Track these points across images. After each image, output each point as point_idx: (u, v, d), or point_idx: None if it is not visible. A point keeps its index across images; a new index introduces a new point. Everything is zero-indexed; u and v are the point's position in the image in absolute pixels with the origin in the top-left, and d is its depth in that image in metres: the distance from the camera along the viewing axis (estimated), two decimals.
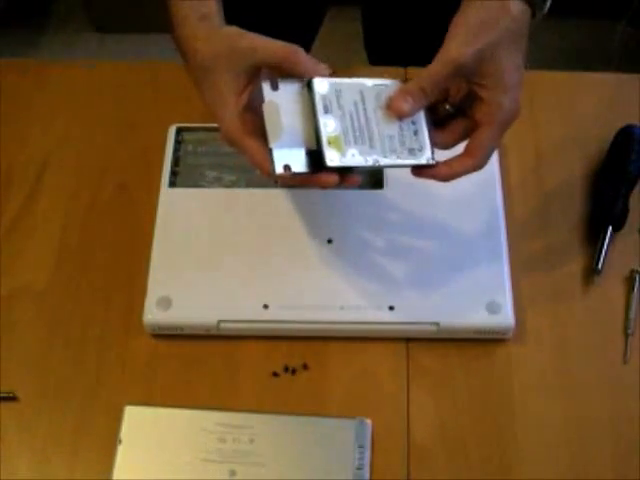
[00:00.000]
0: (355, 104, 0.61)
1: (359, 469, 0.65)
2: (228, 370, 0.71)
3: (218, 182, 0.79)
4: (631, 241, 0.77)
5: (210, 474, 0.65)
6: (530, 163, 0.82)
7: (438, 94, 0.62)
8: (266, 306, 0.71)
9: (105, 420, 0.69)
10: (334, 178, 0.60)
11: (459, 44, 0.60)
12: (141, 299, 0.72)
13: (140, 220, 0.78)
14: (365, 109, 0.61)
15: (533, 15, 0.63)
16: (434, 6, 0.81)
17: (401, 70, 0.85)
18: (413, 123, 0.63)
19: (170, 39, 0.67)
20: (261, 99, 0.60)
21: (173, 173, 0.79)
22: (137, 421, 0.68)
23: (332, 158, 0.59)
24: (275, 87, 0.60)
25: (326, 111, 0.60)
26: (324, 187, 0.61)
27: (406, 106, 0.61)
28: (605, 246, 0.75)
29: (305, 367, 0.71)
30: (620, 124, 0.81)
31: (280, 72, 0.60)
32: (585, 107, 0.86)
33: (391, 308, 0.71)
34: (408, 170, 0.64)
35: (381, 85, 0.62)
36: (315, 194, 0.76)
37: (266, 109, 0.60)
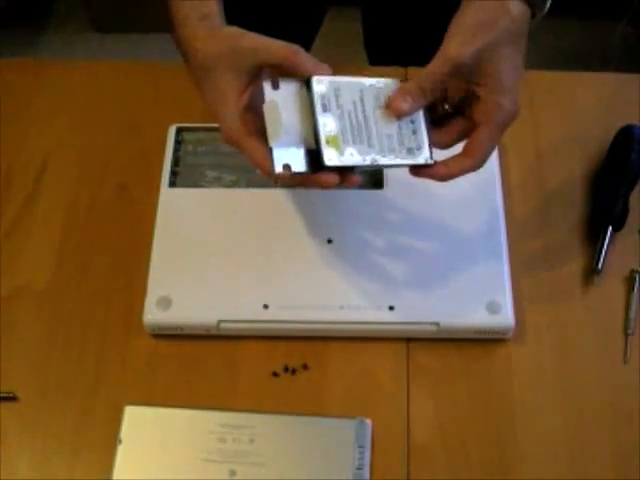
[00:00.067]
0: (354, 103, 0.61)
1: (359, 469, 0.65)
2: (228, 370, 0.71)
3: (218, 182, 0.79)
4: (631, 241, 0.77)
5: (210, 474, 0.65)
6: (530, 163, 0.82)
7: (437, 94, 0.62)
8: (266, 306, 0.71)
9: (105, 420, 0.69)
10: (334, 178, 0.60)
11: (458, 44, 0.60)
12: (141, 299, 0.72)
13: (140, 220, 0.78)
14: (364, 108, 0.61)
15: (533, 15, 0.63)
16: (434, 6, 0.81)
17: (401, 70, 0.86)
18: (412, 122, 0.63)
19: (170, 39, 0.67)
20: (262, 99, 0.60)
21: (173, 173, 0.79)
22: (137, 421, 0.68)
23: (330, 157, 0.59)
24: (276, 87, 0.60)
25: (325, 110, 0.60)
26: (324, 187, 0.61)
27: (405, 105, 0.61)
28: (605, 246, 0.75)
29: (305, 367, 0.71)
30: (620, 124, 0.81)
31: (281, 72, 0.60)
32: (585, 107, 0.86)
33: (391, 308, 0.71)
34: (408, 170, 0.64)
35: (380, 85, 0.62)
36: (315, 194, 0.76)
37: (266, 108, 0.60)
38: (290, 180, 0.63)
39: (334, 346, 0.72)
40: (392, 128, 0.62)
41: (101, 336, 0.73)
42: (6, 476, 0.67)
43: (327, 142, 0.59)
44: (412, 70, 0.85)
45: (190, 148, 0.81)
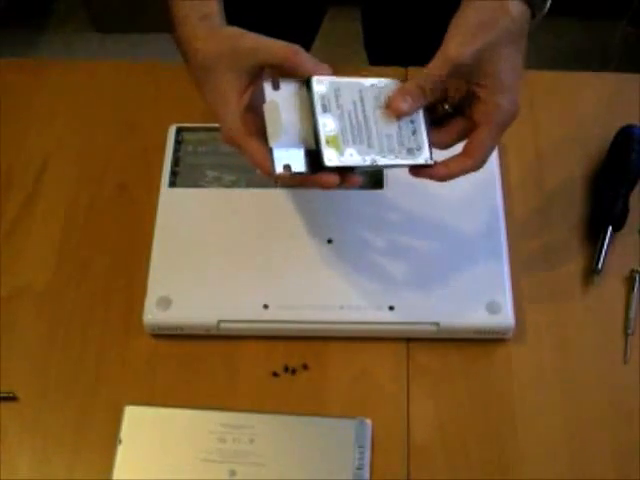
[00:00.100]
0: (354, 103, 0.61)
1: (359, 469, 0.65)
2: (228, 370, 0.71)
3: (218, 182, 0.79)
4: (631, 241, 0.77)
5: (210, 474, 0.65)
6: (530, 163, 0.82)
7: (437, 94, 0.62)
8: (266, 306, 0.71)
9: (105, 420, 0.69)
10: (334, 178, 0.60)
11: (458, 44, 0.60)
12: (141, 299, 0.72)
13: (140, 220, 0.78)
14: (364, 108, 0.61)
15: (533, 16, 0.63)
16: (434, 6, 0.81)
17: (401, 70, 0.86)
18: (412, 123, 0.63)
19: (170, 39, 0.67)
20: (262, 99, 0.60)
21: (173, 173, 0.79)
22: (137, 421, 0.68)
23: (330, 157, 0.59)
24: (276, 87, 0.60)
25: (324, 110, 0.60)
26: (324, 188, 0.61)
27: (405, 105, 0.61)
28: (605, 246, 0.75)
29: (305, 367, 0.71)
30: (620, 124, 0.81)
31: (281, 72, 0.60)
32: (585, 107, 0.86)
33: (391, 308, 0.71)
34: (408, 170, 0.64)
35: (380, 85, 0.62)
36: (315, 194, 0.76)
37: (267, 109, 0.60)
38: (290, 180, 0.63)
39: (334, 346, 0.72)
40: (392, 128, 0.62)
41: (101, 336, 0.73)
42: (6, 476, 0.67)
43: (327, 142, 0.59)
44: (412, 70, 0.85)
45: (190, 148, 0.81)
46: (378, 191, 0.77)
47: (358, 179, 0.61)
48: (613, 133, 0.81)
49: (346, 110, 0.61)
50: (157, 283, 0.73)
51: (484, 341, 0.72)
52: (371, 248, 0.74)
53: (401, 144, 0.62)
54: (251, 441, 0.66)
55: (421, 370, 0.71)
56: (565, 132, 0.84)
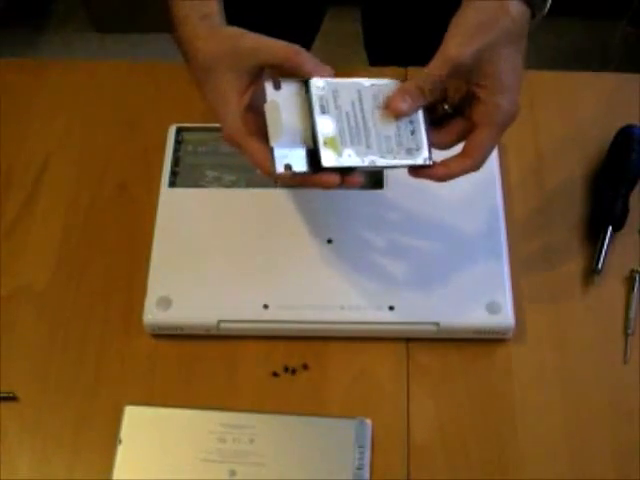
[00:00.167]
0: (352, 104, 0.61)
1: (359, 469, 0.65)
2: (228, 370, 0.71)
3: (218, 182, 0.79)
4: (631, 241, 0.77)
5: (210, 474, 0.65)
6: (530, 163, 0.82)
7: (436, 94, 0.62)
8: (266, 306, 0.71)
9: (105, 420, 0.69)
10: (335, 178, 0.60)
11: (458, 44, 0.60)
12: (141, 299, 0.72)
13: (140, 220, 0.78)
14: (362, 109, 0.61)
15: (533, 16, 0.63)
16: (434, 6, 0.81)
17: (401, 70, 0.86)
18: (411, 123, 0.63)
19: (170, 39, 0.67)
20: (263, 99, 0.60)
21: (173, 173, 0.79)
22: (137, 421, 0.68)
23: (328, 159, 0.59)
24: (277, 87, 0.60)
25: (323, 111, 0.60)
26: (325, 188, 0.61)
27: (404, 105, 0.61)
28: (605, 246, 0.75)
29: (305, 367, 0.71)
30: (620, 124, 0.81)
31: (282, 72, 0.60)
32: (585, 107, 0.86)
33: (391, 308, 0.71)
34: (407, 170, 0.64)
35: (379, 85, 0.62)
36: (315, 194, 0.76)
37: (268, 108, 0.60)
38: (290, 180, 0.63)
39: (334, 346, 0.72)
40: (391, 129, 0.62)
41: (101, 336, 0.73)
42: (6, 476, 0.67)
43: (325, 144, 0.59)
44: (412, 70, 0.85)
45: (190, 148, 0.81)
46: (378, 191, 0.77)
47: (359, 179, 0.61)
48: (613, 133, 0.81)
49: (344, 111, 0.61)
50: (157, 283, 0.73)
51: (484, 341, 0.72)
52: (371, 248, 0.74)
53: (400, 144, 0.62)
54: (251, 441, 0.66)
55: (421, 370, 0.71)
56: (565, 132, 0.84)
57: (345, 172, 0.61)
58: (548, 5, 0.64)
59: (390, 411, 0.69)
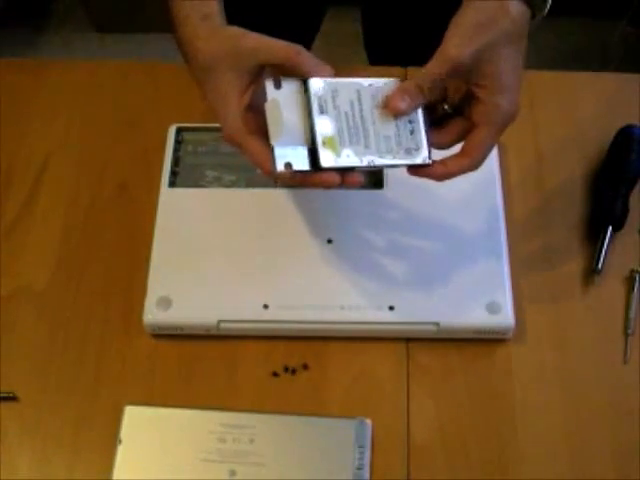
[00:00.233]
0: (351, 104, 0.61)
1: (359, 469, 0.65)
2: (228, 370, 0.71)
3: (218, 182, 0.79)
4: (631, 241, 0.77)
5: (210, 474, 0.65)
6: (530, 163, 0.82)
7: (436, 93, 0.62)
8: (266, 306, 0.71)
9: (105, 420, 0.69)
10: (335, 178, 0.60)
11: (457, 44, 0.60)
12: (141, 299, 0.72)
13: (140, 220, 0.78)
14: (361, 109, 0.61)
15: (533, 16, 0.63)
16: (434, 6, 0.81)
17: (401, 70, 0.86)
18: (410, 122, 0.63)
19: (171, 39, 0.67)
20: (264, 98, 0.60)
21: (173, 173, 0.79)
22: (137, 421, 0.68)
23: (327, 159, 0.59)
24: (278, 86, 0.60)
25: (321, 111, 0.60)
26: (325, 187, 0.61)
27: (403, 105, 0.61)
28: (605, 246, 0.75)
29: (305, 367, 0.71)
30: (620, 124, 0.81)
31: (283, 72, 0.60)
32: (585, 107, 0.86)
33: (391, 308, 0.71)
34: (406, 170, 0.64)
35: (378, 84, 0.62)
36: (315, 194, 0.76)
37: (268, 107, 0.60)
38: (290, 180, 0.63)
39: (334, 346, 0.72)
40: (390, 128, 0.62)
41: (101, 336, 0.73)
42: (6, 476, 0.67)
43: (323, 144, 0.60)
44: (412, 70, 0.85)
45: (190, 148, 0.81)
46: (378, 191, 0.77)
47: (359, 179, 0.61)
48: (613, 133, 0.81)
49: (343, 111, 0.61)
50: (157, 283, 0.73)
51: (484, 341, 0.72)
52: (371, 248, 0.74)
53: (399, 144, 0.62)
54: (251, 441, 0.66)
55: (421, 370, 0.71)
56: (565, 132, 0.84)
57: (345, 171, 0.61)
58: (548, 5, 0.64)
59: (390, 411, 0.69)
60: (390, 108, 0.61)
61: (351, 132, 0.61)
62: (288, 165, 0.59)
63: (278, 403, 0.69)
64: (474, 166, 0.64)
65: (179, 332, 0.72)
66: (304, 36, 1.03)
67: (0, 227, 0.79)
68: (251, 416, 0.68)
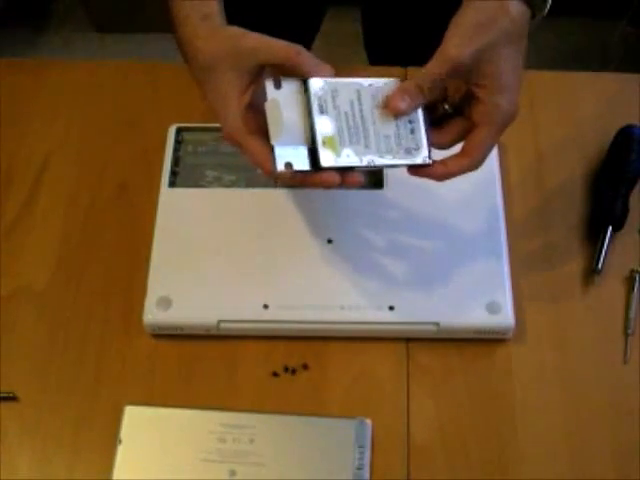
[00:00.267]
0: (351, 104, 0.61)
1: (359, 469, 0.65)
2: (228, 370, 0.71)
3: (218, 182, 0.79)
4: (631, 241, 0.77)
5: (210, 474, 0.65)
6: (530, 163, 0.82)
7: (435, 93, 0.62)
8: (266, 306, 0.71)
9: (105, 420, 0.69)
10: (335, 178, 0.60)
11: (457, 44, 0.60)
12: (141, 299, 0.72)
13: (140, 220, 0.78)
14: (361, 109, 0.61)
15: (533, 16, 0.63)
16: (434, 6, 0.81)
17: (401, 70, 0.86)
18: (410, 122, 0.63)
19: (171, 39, 0.67)
20: (264, 97, 0.60)
21: (173, 173, 0.79)
22: (137, 421, 0.68)
23: (327, 158, 0.59)
24: (278, 86, 0.60)
25: (321, 111, 0.60)
26: (325, 187, 0.61)
27: (403, 104, 0.61)
28: (605, 246, 0.75)
29: (305, 367, 0.71)
30: (620, 124, 0.81)
31: (283, 72, 0.61)
32: (585, 107, 0.86)
33: (391, 308, 0.71)
34: (406, 169, 0.64)
35: (378, 84, 0.62)
36: (315, 194, 0.76)
37: (268, 107, 0.60)
38: (290, 180, 0.63)
39: (334, 346, 0.72)
40: (390, 128, 0.62)
41: (101, 336, 0.73)
42: (6, 476, 0.67)
43: (323, 144, 0.60)
44: (412, 70, 0.85)
45: (190, 148, 0.81)
46: (378, 191, 0.77)
47: (359, 178, 0.61)
48: (613, 133, 0.81)
49: (343, 111, 0.61)
50: (157, 283, 0.73)
51: (484, 341, 0.72)
52: (371, 248, 0.74)
53: (399, 144, 0.62)
54: (251, 441, 0.66)
55: (421, 370, 0.71)
56: (565, 132, 0.84)
57: (345, 171, 0.61)
58: (548, 5, 0.64)
59: (390, 411, 0.69)
60: (390, 108, 0.62)
61: (351, 132, 0.61)
62: (288, 165, 0.59)
63: (278, 403, 0.69)
64: (474, 166, 0.64)
65: (179, 332, 0.72)
66: (304, 36, 1.03)
67: (0, 227, 0.79)
68: (251, 416, 0.68)
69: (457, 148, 0.64)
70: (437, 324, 0.70)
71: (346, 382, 0.71)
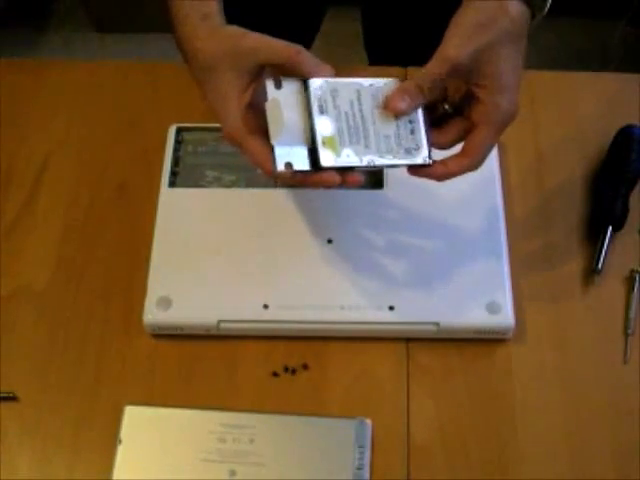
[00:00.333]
0: (351, 104, 0.61)
1: (359, 469, 0.65)
2: (228, 370, 0.71)
3: (218, 182, 0.79)
4: (631, 241, 0.77)
5: (210, 474, 0.65)
6: (530, 163, 0.82)
7: (435, 93, 0.62)
8: (266, 306, 0.71)
9: (105, 420, 0.69)
10: (335, 177, 0.60)
11: (457, 44, 0.60)
12: (141, 299, 0.72)
13: (140, 220, 0.78)
14: (361, 109, 0.61)
15: (533, 16, 0.63)
16: (434, 6, 0.81)
17: (401, 70, 0.86)
18: (410, 122, 0.63)
19: (170, 39, 0.67)
20: (264, 97, 0.60)
21: (173, 173, 0.79)
22: (137, 421, 0.68)
23: (326, 158, 0.59)
24: (278, 86, 0.60)
25: (321, 111, 0.60)
26: (325, 186, 0.61)
27: (403, 104, 0.61)
28: (605, 246, 0.75)
29: (305, 367, 0.71)
30: (620, 124, 0.81)
31: (283, 72, 0.61)
32: (585, 107, 0.86)
33: (391, 308, 0.71)
34: (406, 169, 0.64)
35: (379, 84, 0.62)
36: (315, 194, 0.76)
37: (269, 107, 0.60)
38: (291, 180, 0.63)
39: (334, 346, 0.72)
40: (390, 128, 0.62)
41: (101, 336, 0.73)
42: (6, 476, 0.67)
43: (323, 143, 0.60)
44: (412, 70, 0.85)
45: (190, 148, 0.81)
46: (378, 191, 0.77)
47: (359, 178, 0.61)
48: (613, 133, 0.81)
49: (343, 111, 0.61)
50: (157, 283, 0.73)
51: (484, 341, 0.72)
52: (371, 248, 0.74)
53: (399, 144, 0.62)
54: (251, 441, 0.66)
55: (421, 370, 0.71)
56: (565, 132, 0.84)
57: (345, 171, 0.61)
58: (548, 5, 0.64)
59: (390, 411, 0.69)
60: (390, 108, 0.62)
61: (351, 132, 0.61)
62: (288, 165, 0.59)
63: (278, 403, 0.69)
64: (474, 166, 0.64)
65: (179, 332, 0.72)
66: (304, 36, 1.03)
67: (0, 227, 0.79)
68: (251, 416, 0.68)
69: (457, 148, 0.64)
70: (437, 324, 0.70)
71: (346, 382, 0.71)
